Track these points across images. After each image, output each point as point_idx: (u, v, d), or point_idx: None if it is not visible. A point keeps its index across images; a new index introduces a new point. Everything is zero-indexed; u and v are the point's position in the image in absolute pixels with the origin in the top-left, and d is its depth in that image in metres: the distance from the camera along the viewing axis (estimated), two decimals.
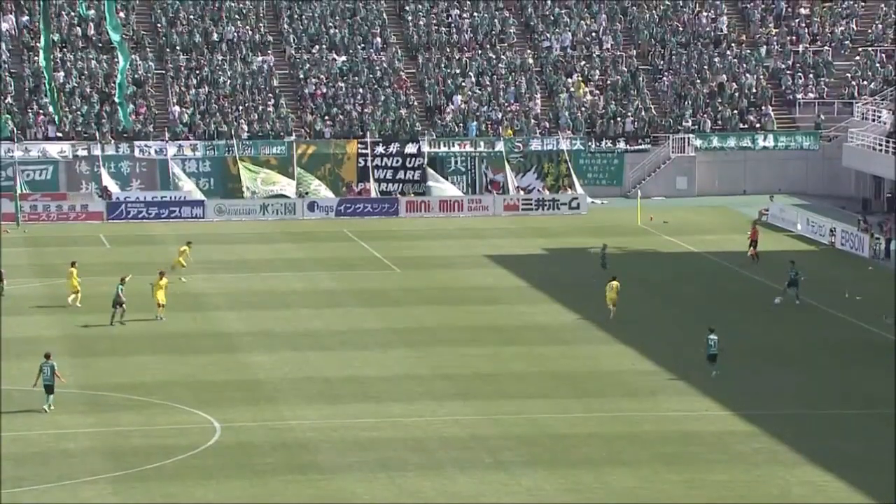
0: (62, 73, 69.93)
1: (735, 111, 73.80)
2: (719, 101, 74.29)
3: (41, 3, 65.91)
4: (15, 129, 67.10)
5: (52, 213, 63.52)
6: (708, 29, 77.51)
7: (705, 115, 73.59)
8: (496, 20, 76.74)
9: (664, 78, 75.28)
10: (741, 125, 73.56)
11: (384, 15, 76.24)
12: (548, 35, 76.62)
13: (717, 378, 38.39)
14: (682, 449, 33.00)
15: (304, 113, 71.74)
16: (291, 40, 74.35)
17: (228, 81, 71.77)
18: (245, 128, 70.17)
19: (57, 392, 35.77)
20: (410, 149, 69.52)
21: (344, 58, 73.84)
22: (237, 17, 74.64)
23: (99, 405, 35.69)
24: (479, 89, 73.84)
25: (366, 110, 71.73)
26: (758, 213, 63.78)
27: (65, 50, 71.24)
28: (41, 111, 68.46)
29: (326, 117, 71.48)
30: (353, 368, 39.41)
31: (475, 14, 76.92)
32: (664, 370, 39.32)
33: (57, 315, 45.41)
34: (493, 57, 75.21)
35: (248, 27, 74.25)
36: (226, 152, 68.43)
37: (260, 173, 67.36)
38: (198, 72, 71.97)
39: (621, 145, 72.24)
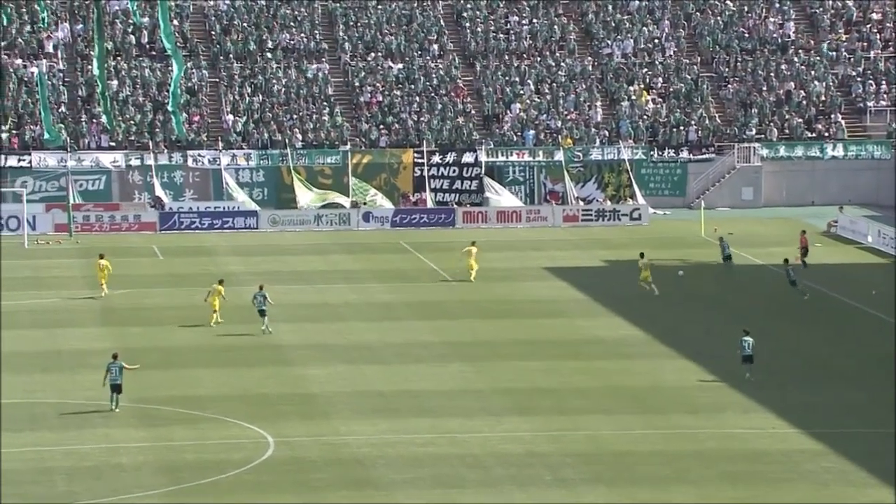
0: (116, 82, 70.78)
1: (803, 119, 73.30)
2: (786, 109, 73.82)
3: (95, 11, 66.78)
4: (68, 139, 67.96)
5: (104, 223, 64.24)
6: (775, 35, 77.08)
7: (772, 124, 73.16)
8: (556, 26, 76.75)
9: (729, 85, 74.92)
10: (809, 134, 73.03)
11: (441, 21, 76.50)
12: (609, 42, 76.53)
13: (785, 394, 38.12)
14: (748, 467, 32.79)
15: (360, 122, 72.08)
16: (347, 48, 74.77)
17: (283, 90, 72.29)
18: (299, 137, 70.63)
19: (108, 407, 36.16)
20: (467, 158, 69.65)
21: (400, 65, 74.14)
22: (292, 24, 75.19)
23: (152, 419, 36.03)
24: (538, 97, 73.87)
25: (422, 119, 71.96)
26: (826, 225, 63.26)
27: (118, 58, 72.09)
28: (94, 120, 69.30)
29: (382, 126, 71.77)
30: (408, 382, 39.55)
31: (534, 20, 76.99)
32: (728, 386, 39.10)
33: (108, 327, 45.91)
34: (553, 64, 75.21)
35: (302, 34, 74.78)
36: (280, 162, 68.92)
37: (313, 190, 67.72)
38: (252, 80, 72.57)
39: (684, 155, 71.96)
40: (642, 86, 74.67)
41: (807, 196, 71.60)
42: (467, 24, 76.46)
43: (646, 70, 75.37)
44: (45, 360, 41.68)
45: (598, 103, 74.04)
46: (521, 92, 73.78)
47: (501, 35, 76.28)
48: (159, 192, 66.89)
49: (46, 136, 66.30)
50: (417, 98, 72.83)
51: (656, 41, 76.66)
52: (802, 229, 58.83)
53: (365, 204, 67.92)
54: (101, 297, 49.44)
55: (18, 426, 35.16)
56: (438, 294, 51.44)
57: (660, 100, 74.41)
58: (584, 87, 74.35)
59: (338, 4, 76.64)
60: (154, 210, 65.90)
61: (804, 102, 74.01)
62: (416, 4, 77.18)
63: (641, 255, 51.21)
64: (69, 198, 64.90)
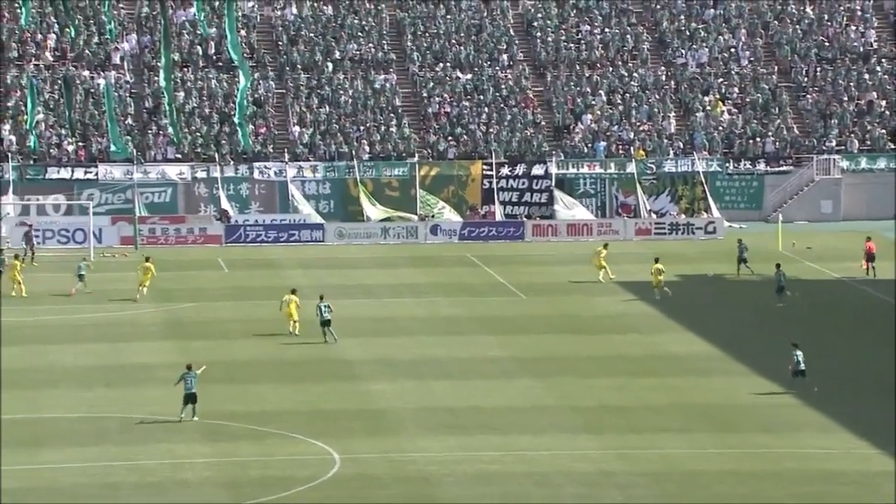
0: (182, 94, 71.61)
1: (885, 130, 72.54)
2: (868, 119, 73.09)
3: (162, 22, 67.66)
4: (135, 151, 68.84)
5: (170, 236, 64.94)
6: (856, 43, 76.38)
7: (852, 135, 72.47)
8: (628, 35, 76.61)
9: (808, 96, 74.34)
10: (892, 145, 72.24)
11: (511, 31, 76.64)
12: (683, 51, 76.23)
13: (862, 412, 37.71)
14: (826, 489, 32.48)
15: (428, 133, 72.32)
16: (415, 58, 75.10)
17: (350, 101, 72.75)
18: (366, 149, 71.01)
19: (173, 422, 36.63)
20: (537, 170, 69.66)
21: (469, 76, 74.33)
22: (359, 34, 75.67)
23: (217, 434, 36.31)
24: (610, 108, 73.74)
25: (491, 130, 72.06)
26: None
27: (185, 70, 72.94)
28: (161, 132, 70.17)
29: (450, 137, 71.96)
30: (476, 398, 39.59)
31: (606, 29, 76.89)
32: (804, 403, 38.77)
33: (173, 341, 46.41)
34: (625, 74, 75.05)
35: (370, 44, 75.22)
36: (346, 174, 69.33)
37: (377, 206, 67.98)
38: (319, 91, 73.11)
39: (761, 167, 71.48)
40: (717, 96, 74.28)
41: (889, 209, 70.81)
42: (538, 34, 76.52)
43: (721, 80, 74.98)
44: (110, 374, 42.18)
45: (672, 114, 73.74)
46: (593, 102, 73.68)
47: (572, 44, 76.25)
48: (225, 204, 67.51)
49: (113, 148, 67.20)
50: (486, 109, 72.95)
51: (732, 50, 76.25)
52: (868, 235, 58.33)
53: (432, 217, 68.13)
54: (137, 300, 50.38)
55: (84, 441, 35.62)
56: (507, 308, 51.44)
57: (735, 110, 73.97)
58: (657, 97, 74.11)
59: (406, 14, 77.02)
60: (220, 223, 66.52)
61: (887, 113, 73.23)
62: (485, 14, 77.37)
63: (656, 259, 52.37)
64: (135, 210, 65.68)
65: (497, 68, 74.80)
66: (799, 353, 39.43)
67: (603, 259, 55.03)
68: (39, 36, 73.06)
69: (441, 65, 74.81)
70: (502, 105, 73.14)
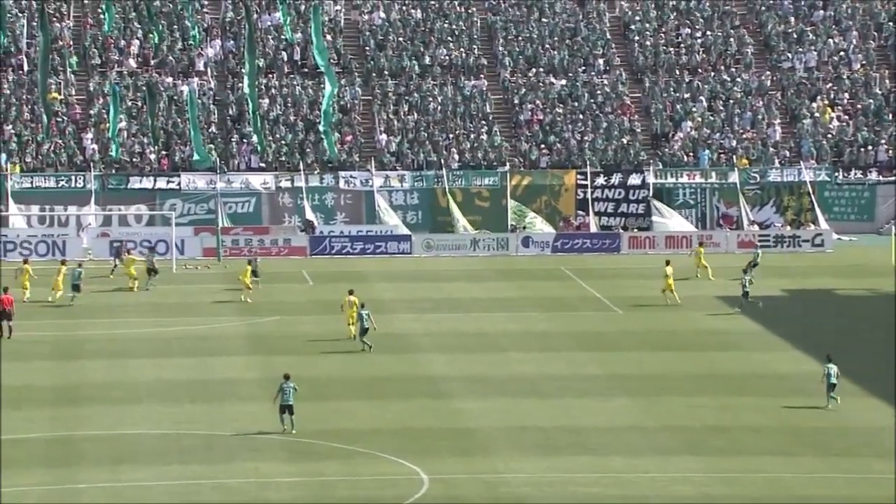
0: (266, 101, 72.30)
1: None
2: None
3: (247, 27, 68.40)
4: (218, 160, 69.58)
5: (253, 247, 65.52)
6: None
7: None
8: (731, 39, 76.05)
9: None
10: None
11: (607, 35, 76.42)
12: (789, 54, 75.51)
13: None
14: None
15: (519, 141, 72.31)
16: (507, 63, 75.15)
17: (439, 108, 72.97)
18: (456, 157, 71.16)
19: (258, 439, 36.87)
20: (634, 180, 69.30)
21: (563, 81, 74.24)
22: (449, 38, 75.90)
23: (302, 453, 36.49)
24: (712, 115, 73.22)
25: (586, 138, 71.87)
26: None
27: (270, 76, 73.64)
28: (245, 140, 70.86)
29: (543, 146, 71.89)
30: (570, 418, 39.45)
31: (708, 33, 76.40)
32: None
33: (257, 356, 46.78)
34: (728, 79, 74.51)
35: (460, 49, 75.41)
36: (435, 183, 69.50)
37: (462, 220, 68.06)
38: (407, 97, 73.41)
39: (873, 176, 70.56)
40: (826, 102, 73.45)
41: None
42: (635, 37, 76.21)
43: (830, 85, 74.15)
44: (194, 389, 42.58)
45: (777, 121, 73.03)
46: (693, 109, 73.21)
47: (672, 48, 75.86)
48: (310, 215, 67.95)
49: (196, 157, 67.95)
50: (581, 116, 72.79)
51: (843, 53, 75.38)
52: None
53: (524, 228, 68.08)
54: (248, 301, 52.66)
55: (167, 458, 35.97)
56: (602, 324, 51.25)
57: (846, 117, 73.08)
58: (761, 103, 73.45)
59: (498, 18, 77.12)
60: (304, 234, 67.00)
61: None
62: (580, 17, 77.24)
63: (667, 262, 53.49)
64: (218, 221, 66.34)
65: (592, 73, 74.61)
66: (833, 366, 39.55)
67: (702, 257, 55.42)
68: (122, 42, 74.18)
69: (534, 70, 74.77)
70: (598, 112, 72.92)
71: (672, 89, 74.11)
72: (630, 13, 77.33)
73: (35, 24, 70.35)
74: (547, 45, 75.80)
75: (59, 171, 68.54)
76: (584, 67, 74.90)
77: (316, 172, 69.66)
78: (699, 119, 72.76)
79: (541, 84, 73.99)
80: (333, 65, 71.69)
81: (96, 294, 55.98)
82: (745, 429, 38.43)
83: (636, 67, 75.37)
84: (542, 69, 74.81)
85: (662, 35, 76.51)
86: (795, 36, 76.31)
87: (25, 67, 72.27)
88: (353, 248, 66.06)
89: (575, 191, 69.45)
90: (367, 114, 73.34)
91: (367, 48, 75.72)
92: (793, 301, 55.25)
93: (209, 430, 38.29)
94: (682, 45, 76.07)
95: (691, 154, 71.48)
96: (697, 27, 76.81)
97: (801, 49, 75.71)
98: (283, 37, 74.36)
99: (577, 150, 71.36)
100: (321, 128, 68.20)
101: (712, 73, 74.90)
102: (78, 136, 70.37)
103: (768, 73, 75.09)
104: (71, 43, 74.09)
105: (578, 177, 69.48)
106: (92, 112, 71.41)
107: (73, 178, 67.95)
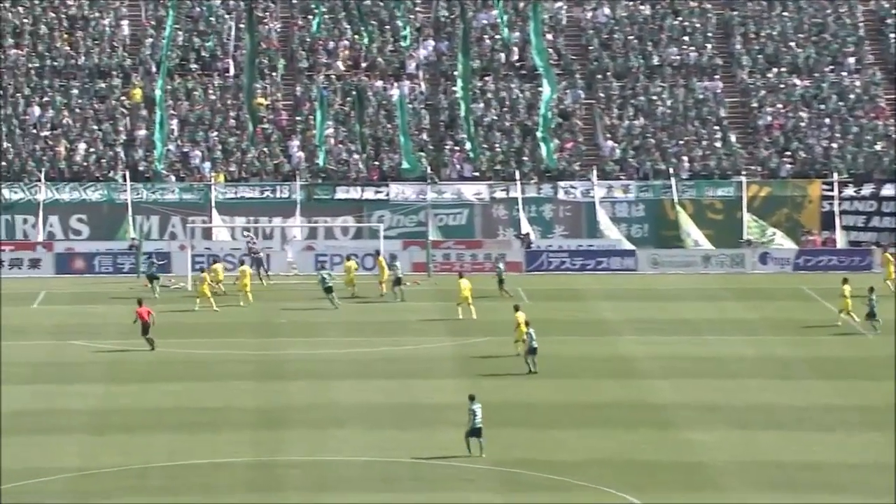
0: (481, 105, 72.43)
1: None
2: None
3: (462, 26, 68.70)
4: (429, 169, 69.93)
5: (465, 262, 65.60)
6: None
7: None
8: None
9: None
10: None
11: (860, 29, 74.54)
12: None
13: None
14: None
15: (757, 148, 71.07)
16: (744, 62, 73.92)
17: (668, 111, 72.09)
18: (686, 166, 70.20)
19: (468, 468, 36.62)
20: (888, 190, 67.54)
21: (807, 82, 72.75)
22: (681, 36, 74.94)
23: (514, 484, 36.27)
24: None
25: (833, 144, 70.20)
26: None
27: (485, 78, 73.76)
28: (457, 147, 71.08)
29: (784, 153, 70.47)
30: (811, 453, 38.55)
31: None
32: None
33: (464, 379, 46.59)
34: None
35: (693, 48, 74.41)
36: (662, 194, 68.65)
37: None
38: (633, 101, 72.74)
39: None
40: None
41: None
42: (891, 33, 74.10)
43: None
44: (400, 414, 42.69)
45: None
46: None
47: None
48: (526, 227, 67.79)
49: (405, 165, 68.45)
50: (828, 120, 71.15)
51: None
52: None
53: (762, 244, 66.80)
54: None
55: (372, 486, 36.10)
56: (848, 349, 49.97)
57: None
58: None
59: (735, 13, 75.89)
60: (521, 248, 66.83)
61: None
62: (829, 11, 75.52)
63: (844, 280, 53.24)
64: (428, 234, 66.66)
65: (842, 73, 72.86)
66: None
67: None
68: (331, 44, 75.19)
69: (775, 70, 73.41)
70: (847, 116, 71.17)
71: None
72: (887, 6, 75.28)
73: (242, 25, 71.83)
74: (790, 42, 74.26)
75: (263, 181, 69.74)
76: (832, 66, 73.20)
77: (533, 182, 69.47)
78: None
79: (782, 85, 72.59)
80: (553, 66, 71.47)
81: (295, 312, 56.72)
82: None
83: (892, 66, 73.32)
84: (784, 69, 73.40)
85: None
86: None
87: (231, 71, 73.73)
88: (572, 263, 65.69)
89: (819, 203, 67.99)
90: (588, 119, 72.90)
91: (591, 47, 75.27)
92: None
93: (415, 456, 38.27)
94: None
95: None
96: None
97: None
98: (499, 36, 74.38)
99: (823, 158, 69.76)
100: (539, 134, 68.06)
101: None
102: (284, 143, 71.56)
103: None
104: (278, 45, 75.40)
105: (824, 187, 68.07)
106: (298, 118, 72.56)
107: (277, 188, 69.10)
